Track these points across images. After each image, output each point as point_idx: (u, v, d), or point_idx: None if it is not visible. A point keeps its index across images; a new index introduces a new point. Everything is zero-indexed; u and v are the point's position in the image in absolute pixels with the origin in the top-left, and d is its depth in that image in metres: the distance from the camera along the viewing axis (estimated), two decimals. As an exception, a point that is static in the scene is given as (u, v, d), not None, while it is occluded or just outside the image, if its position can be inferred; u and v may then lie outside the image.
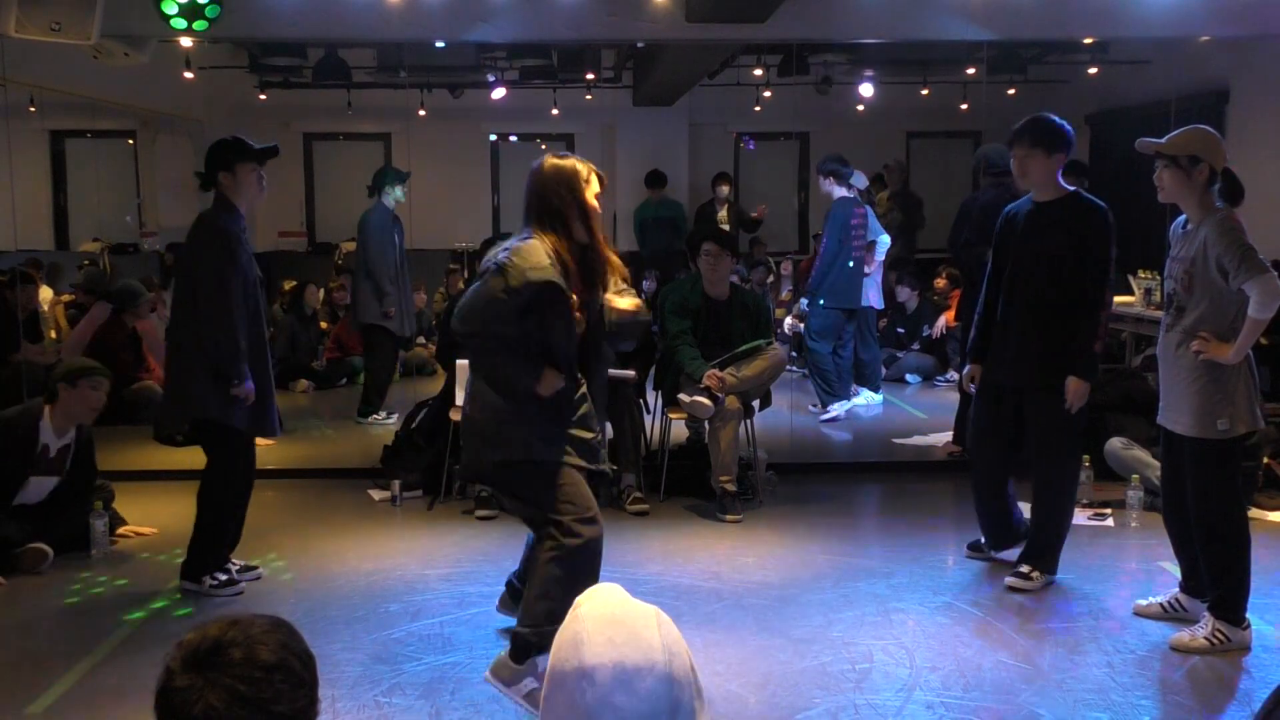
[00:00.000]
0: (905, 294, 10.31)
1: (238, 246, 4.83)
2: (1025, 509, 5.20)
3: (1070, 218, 4.79)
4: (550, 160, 3.94)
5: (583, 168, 3.92)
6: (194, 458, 5.15)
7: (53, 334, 9.69)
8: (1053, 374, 4.80)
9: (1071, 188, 4.89)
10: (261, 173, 4.97)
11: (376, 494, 6.63)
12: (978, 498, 5.31)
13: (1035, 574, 4.94)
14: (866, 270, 8.61)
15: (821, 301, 8.32)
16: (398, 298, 8.21)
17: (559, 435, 3.88)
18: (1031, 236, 4.88)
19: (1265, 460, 6.16)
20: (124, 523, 5.86)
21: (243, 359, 4.78)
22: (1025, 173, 4.88)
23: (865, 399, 8.85)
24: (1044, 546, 4.99)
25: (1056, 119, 4.87)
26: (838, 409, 8.40)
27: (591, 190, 3.90)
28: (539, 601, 3.79)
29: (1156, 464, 5.26)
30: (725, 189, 11.20)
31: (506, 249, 3.83)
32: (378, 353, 8.45)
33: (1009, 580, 4.96)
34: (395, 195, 8.31)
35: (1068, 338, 4.78)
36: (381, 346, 8.42)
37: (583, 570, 3.81)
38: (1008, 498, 5.22)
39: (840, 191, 8.32)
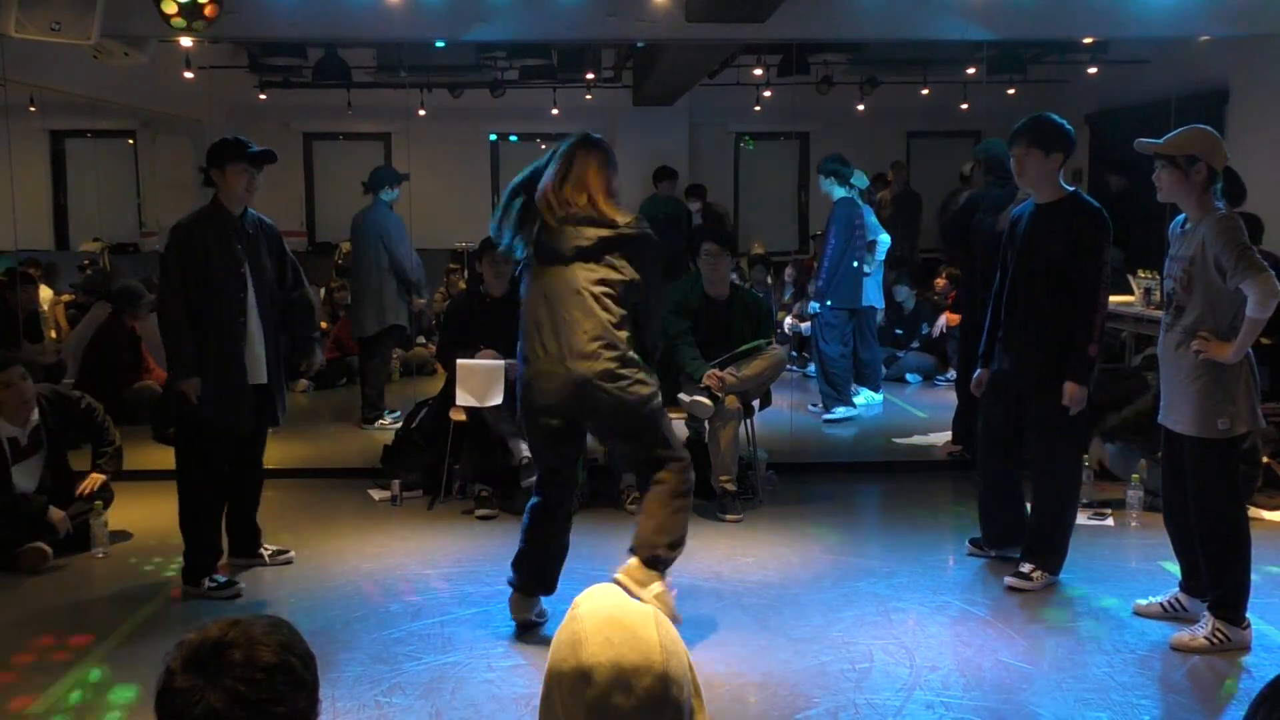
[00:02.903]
0: (904, 294, 10.31)
1: (198, 252, 4.88)
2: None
3: (1067, 219, 4.77)
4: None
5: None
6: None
7: (53, 334, 9.69)
8: (1051, 377, 4.79)
9: (1071, 188, 4.88)
10: (253, 175, 4.99)
11: (376, 494, 6.63)
12: (986, 502, 5.33)
13: (1036, 573, 4.94)
14: (866, 270, 8.61)
15: (830, 302, 8.31)
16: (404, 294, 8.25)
17: None
18: (1032, 239, 4.87)
19: (1265, 460, 6.17)
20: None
21: (179, 359, 4.91)
22: (1022, 171, 4.88)
23: (865, 399, 8.85)
24: (1046, 547, 4.98)
25: (1057, 118, 4.85)
26: (843, 413, 8.39)
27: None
28: (675, 517, 4.28)
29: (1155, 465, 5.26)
30: (697, 204, 11.21)
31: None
32: (378, 357, 8.45)
33: (1009, 580, 4.96)
34: (391, 196, 8.30)
35: (1064, 341, 4.76)
36: (383, 350, 8.42)
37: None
38: (1020, 499, 5.24)
39: (841, 192, 8.32)
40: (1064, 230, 4.76)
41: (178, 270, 4.89)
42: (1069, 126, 4.87)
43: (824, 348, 8.39)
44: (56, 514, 5.43)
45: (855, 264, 8.36)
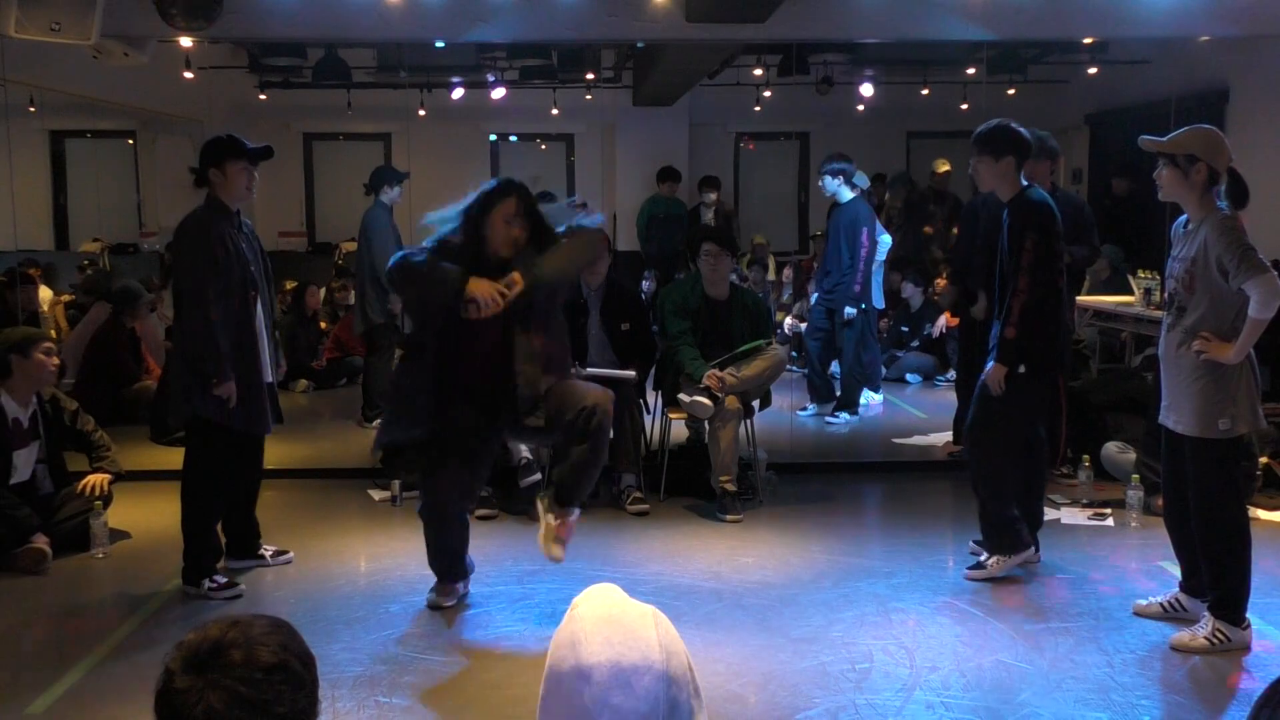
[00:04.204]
0: (910, 290, 10.30)
1: (218, 247, 4.83)
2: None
3: (1011, 213, 4.94)
4: None
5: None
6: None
7: (53, 334, 9.68)
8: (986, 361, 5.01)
9: (1025, 184, 4.99)
10: (253, 173, 4.97)
11: (376, 494, 6.63)
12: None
13: (991, 560, 5.04)
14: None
15: (863, 306, 8.30)
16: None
17: None
18: (998, 235, 5.07)
19: (1265, 460, 6.17)
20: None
21: (219, 359, 4.79)
22: (978, 177, 5.06)
23: (865, 399, 8.84)
24: (985, 528, 5.11)
25: (1012, 125, 4.97)
26: (847, 419, 8.37)
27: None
28: None
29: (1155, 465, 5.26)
30: (713, 195, 11.20)
31: None
32: (382, 353, 8.46)
33: (966, 573, 5.08)
34: (392, 195, 8.29)
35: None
36: (387, 346, 8.43)
37: None
38: (1036, 498, 5.27)
39: (849, 194, 8.29)
40: (1009, 223, 4.93)
41: (205, 267, 4.79)
42: (1022, 131, 4.97)
43: (862, 351, 8.36)
44: (41, 540, 5.35)
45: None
